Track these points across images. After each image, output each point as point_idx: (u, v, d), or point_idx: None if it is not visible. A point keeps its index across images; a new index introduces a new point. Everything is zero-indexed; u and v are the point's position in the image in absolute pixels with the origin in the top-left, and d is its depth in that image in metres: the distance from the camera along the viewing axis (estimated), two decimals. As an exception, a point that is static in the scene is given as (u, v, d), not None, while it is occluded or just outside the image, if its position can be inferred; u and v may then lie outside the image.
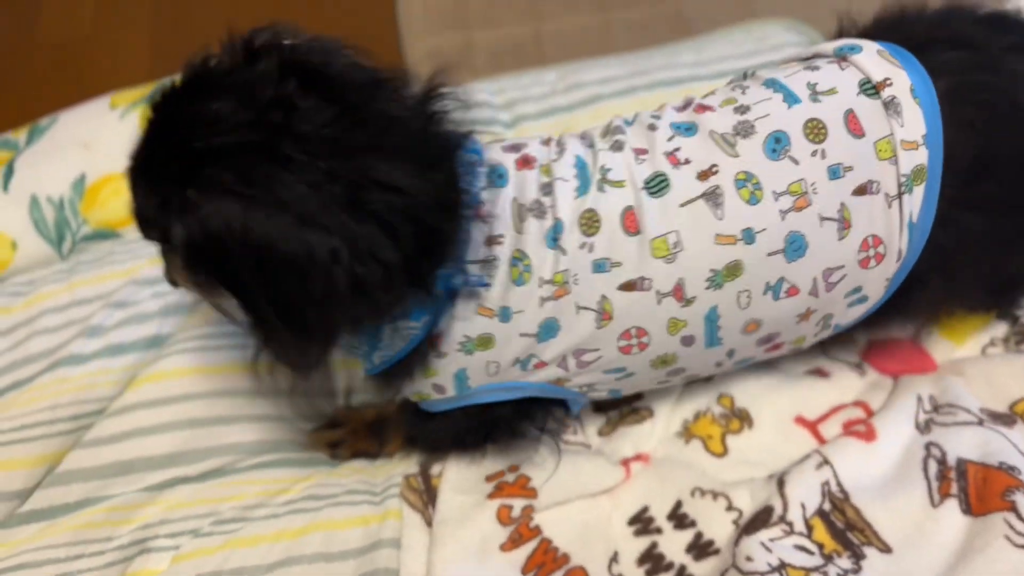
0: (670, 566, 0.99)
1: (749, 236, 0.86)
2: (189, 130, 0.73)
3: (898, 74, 0.88)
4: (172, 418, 1.09)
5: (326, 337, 0.81)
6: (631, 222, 0.86)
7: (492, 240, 0.86)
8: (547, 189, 0.88)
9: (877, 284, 0.93)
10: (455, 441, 1.04)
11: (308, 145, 0.71)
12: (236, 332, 1.18)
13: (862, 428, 1.05)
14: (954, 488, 0.96)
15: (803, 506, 0.98)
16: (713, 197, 0.86)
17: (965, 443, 1.00)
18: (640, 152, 0.90)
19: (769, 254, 0.87)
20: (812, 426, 1.09)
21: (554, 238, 0.86)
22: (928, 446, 1.01)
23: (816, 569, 0.93)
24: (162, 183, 0.74)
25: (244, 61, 0.77)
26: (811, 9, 1.89)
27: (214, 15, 2.10)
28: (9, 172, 1.30)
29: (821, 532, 0.97)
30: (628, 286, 0.87)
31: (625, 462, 1.07)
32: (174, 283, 0.93)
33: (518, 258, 0.86)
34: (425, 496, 1.05)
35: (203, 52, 0.79)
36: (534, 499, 1.02)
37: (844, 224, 0.88)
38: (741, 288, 0.88)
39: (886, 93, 0.88)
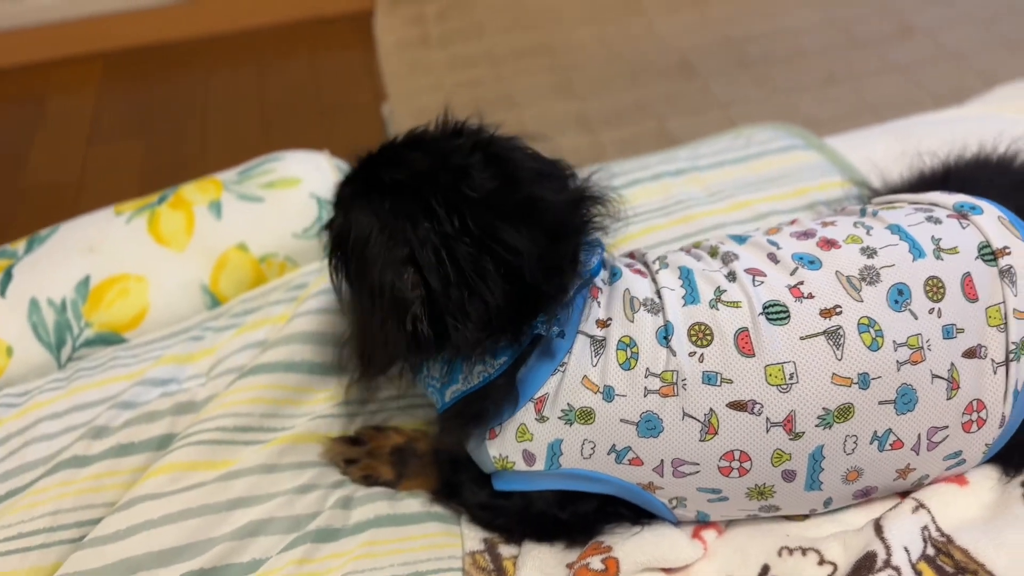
0: (768, 635, 0.88)
1: (864, 381, 0.86)
2: (385, 165, 0.92)
3: (1017, 245, 0.91)
4: (182, 507, 0.98)
5: (387, 356, 0.92)
6: (745, 343, 0.86)
7: (602, 323, 0.90)
8: (658, 294, 0.91)
9: (976, 449, 0.93)
10: (533, 529, 0.96)
11: (457, 203, 0.86)
12: (249, 427, 1.09)
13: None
14: (1063, 518, 0.89)
15: (907, 550, 0.89)
16: (835, 336, 0.86)
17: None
18: (757, 273, 0.91)
19: (880, 402, 0.87)
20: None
21: (665, 337, 0.87)
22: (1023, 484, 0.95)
23: (938, 614, 0.83)
24: (346, 190, 0.96)
25: (449, 135, 0.94)
26: (789, 120, 1.98)
27: (203, 155, 2.13)
28: (7, 278, 1.23)
29: (932, 578, 0.88)
30: (738, 405, 0.86)
31: (696, 532, 0.97)
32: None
33: (626, 343, 0.87)
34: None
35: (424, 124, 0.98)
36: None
37: (953, 384, 0.88)
38: (849, 432, 0.88)
39: (1003, 262, 0.91)
